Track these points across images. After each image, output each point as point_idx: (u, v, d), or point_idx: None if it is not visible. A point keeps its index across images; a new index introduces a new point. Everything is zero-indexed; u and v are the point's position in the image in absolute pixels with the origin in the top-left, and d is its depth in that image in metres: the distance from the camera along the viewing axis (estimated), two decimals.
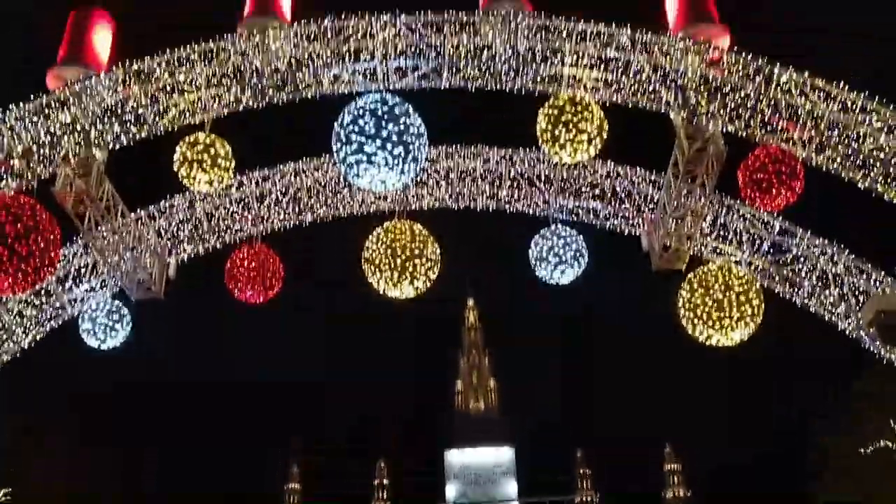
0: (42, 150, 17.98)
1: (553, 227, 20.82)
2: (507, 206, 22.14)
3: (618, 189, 21.33)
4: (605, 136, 17.19)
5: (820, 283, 20.55)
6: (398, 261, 17.79)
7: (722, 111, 17.56)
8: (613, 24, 17.35)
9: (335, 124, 15.11)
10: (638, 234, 21.51)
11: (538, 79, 18.00)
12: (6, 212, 14.75)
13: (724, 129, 17.62)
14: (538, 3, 17.55)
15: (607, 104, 17.81)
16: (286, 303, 22.43)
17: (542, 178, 21.61)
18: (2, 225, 14.61)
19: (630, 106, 18.05)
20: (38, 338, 22.10)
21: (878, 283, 19.95)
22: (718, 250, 21.11)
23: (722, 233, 21.02)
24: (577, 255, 20.29)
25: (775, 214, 20.22)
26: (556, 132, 16.95)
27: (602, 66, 17.77)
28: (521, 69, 17.91)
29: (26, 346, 22.01)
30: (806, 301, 20.88)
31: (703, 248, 21.11)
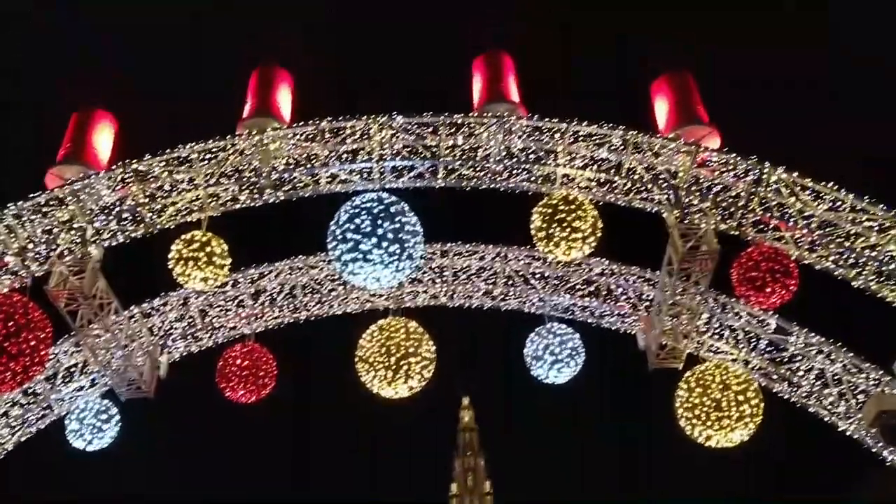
0: (38, 248, 18.02)
1: (548, 325, 20.73)
2: (502, 304, 22.13)
3: (612, 287, 21.37)
4: (599, 234, 17.32)
5: (819, 383, 20.36)
6: (392, 359, 17.61)
7: (714, 210, 17.79)
8: (605, 126, 17.74)
9: (331, 223, 15.21)
10: (634, 332, 21.42)
11: (532, 178, 18.31)
12: None
13: (717, 228, 17.79)
14: (531, 105, 17.98)
15: (600, 203, 18.03)
16: (278, 401, 22.03)
17: (537, 276, 21.67)
18: None
19: (623, 205, 18.28)
20: (23, 439, 21.63)
21: (876, 382, 19.75)
22: (715, 349, 21.00)
23: (718, 331, 20.95)
24: (573, 353, 20.11)
25: (771, 312, 20.17)
26: (551, 230, 17.07)
27: (595, 166, 18.12)
28: (515, 169, 18.23)
29: (11, 448, 21.51)
30: (805, 401, 20.65)
31: (699, 346, 20.99)
